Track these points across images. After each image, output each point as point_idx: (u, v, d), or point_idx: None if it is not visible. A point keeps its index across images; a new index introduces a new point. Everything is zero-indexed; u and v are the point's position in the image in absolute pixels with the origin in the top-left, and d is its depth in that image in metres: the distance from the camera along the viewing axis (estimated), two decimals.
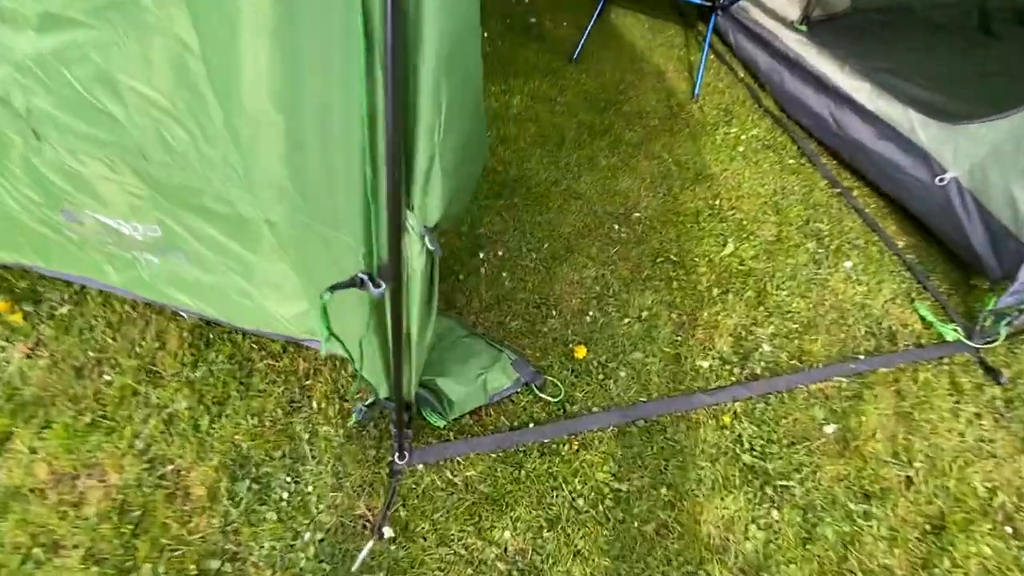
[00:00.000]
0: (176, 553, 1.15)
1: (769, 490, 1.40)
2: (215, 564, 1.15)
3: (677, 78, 2.76)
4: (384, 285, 0.84)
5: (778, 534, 1.34)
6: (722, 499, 1.37)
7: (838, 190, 2.25)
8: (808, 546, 1.33)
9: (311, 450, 1.33)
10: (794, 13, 2.60)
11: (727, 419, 1.51)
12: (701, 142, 2.40)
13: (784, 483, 1.42)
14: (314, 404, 1.40)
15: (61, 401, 1.34)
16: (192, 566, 1.13)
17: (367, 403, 1.26)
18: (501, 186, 2.05)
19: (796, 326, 1.76)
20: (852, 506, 1.40)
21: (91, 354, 1.43)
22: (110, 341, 1.45)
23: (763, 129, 2.52)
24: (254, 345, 1.48)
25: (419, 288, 0.90)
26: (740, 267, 1.91)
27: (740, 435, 1.49)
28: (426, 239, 0.82)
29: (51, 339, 1.44)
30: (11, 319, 1.45)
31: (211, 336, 1.49)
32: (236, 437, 1.33)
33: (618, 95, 2.59)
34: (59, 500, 1.20)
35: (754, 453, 1.46)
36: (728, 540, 1.32)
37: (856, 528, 1.36)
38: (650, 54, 2.89)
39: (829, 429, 1.53)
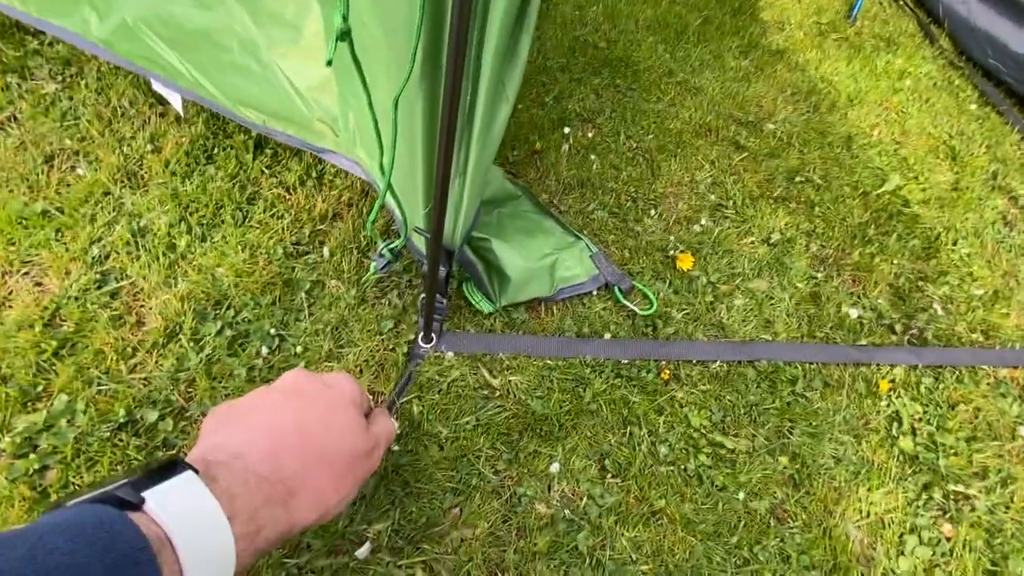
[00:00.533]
0: (104, 389, 0.83)
1: (938, 494, 0.96)
2: (152, 415, 0.82)
3: None
4: None
5: (949, 557, 0.90)
6: (869, 491, 0.94)
7: None
8: None
9: (310, 303, 0.98)
10: None
11: (884, 387, 1.06)
12: (856, 66, 1.89)
13: (961, 489, 0.97)
14: (325, 252, 1.05)
15: (16, 184, 1.04)
16: (121, 410, 0.81)
17: (391, 246, 0.89)
18: (602, 63, 1.63)
19: (980, 292, 1.28)
20: None
21: (68, 142, 1.12)
22: (95, 134, 1.14)
23: (936, 68, 1.98)
24: (265, 169, 1.14)
25: None
26: (904, 209, 1.43)
27: (898, 412, 1.04)
28: None
29: (27, 118, 1.15)
30: None
31: (215, 151, 1.16)
32: (218, 269, 0.99)
33: (756, 1, 2.09)
34: None
35: (918, 440, 1.02)
36: (874, 548, 0.89)
37: None
38: None
39: None
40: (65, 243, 0.98)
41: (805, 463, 0.95)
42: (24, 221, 0.99)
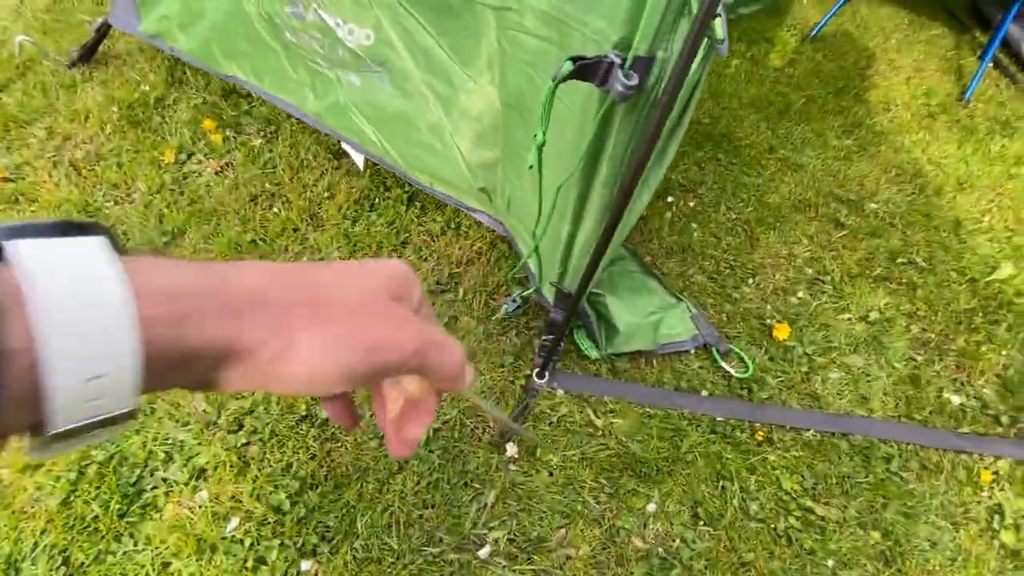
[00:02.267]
0: None
1: None
2: (324, 413, 1.02)
3: (940, 79, 2.24)
4: (636, 79, 0.62)
5: None
6: None
7: None
8: None
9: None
10: None
11: (986, 477, 1.06)
12: (968, 149, 1.88)
13: None
14: (460, 292, 1.24)
15: (232, 218, 1.34)
16: (302, 406, 1.02)
17: (523, 293, 1.05)
18: (704, 137, 1.76)
19: None
20: None
21: (268, 186, 1.42)
22: (287, 180, 1.44)
23: None
24: (415, 219, 1.37)
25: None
26: (1016, 299, 1.41)
27: (1001, 505, 1.04)
28: (719, 17, 0.58)
29: (239, 164, 1.47)
30: (212, 138, 1.51)
31: (377, 201, 1.41)
32: None
33: (861, 81, 2.15)
34: None
35: (1022, 536, 1.00)
36: None
37: None
38: (908, 48, 2.39)
39: None
40: None
41: (898, 541, 0.98)
42: (238, 247, 1.27)
